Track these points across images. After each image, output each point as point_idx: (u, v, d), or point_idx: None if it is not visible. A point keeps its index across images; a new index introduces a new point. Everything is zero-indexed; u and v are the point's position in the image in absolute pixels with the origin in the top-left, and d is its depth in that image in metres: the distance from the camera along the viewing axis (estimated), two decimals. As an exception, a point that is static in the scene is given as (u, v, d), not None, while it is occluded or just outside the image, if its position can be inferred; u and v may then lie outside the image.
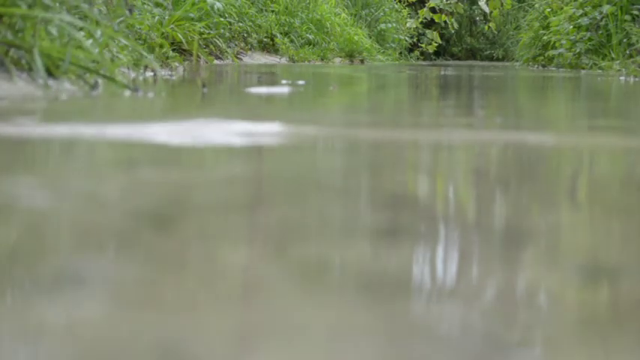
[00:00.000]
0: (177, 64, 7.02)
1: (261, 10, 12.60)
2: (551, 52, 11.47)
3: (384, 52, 17.62)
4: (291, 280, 0.83)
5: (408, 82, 6.64)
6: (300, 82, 5.21)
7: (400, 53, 19.39)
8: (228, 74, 6.66)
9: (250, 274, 0.87)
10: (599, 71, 9.39)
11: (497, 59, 24.80)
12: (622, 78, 7.48)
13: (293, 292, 0.79)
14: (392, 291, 0.80)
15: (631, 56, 9.42)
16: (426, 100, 3.95)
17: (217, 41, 9.60)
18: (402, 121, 2.84)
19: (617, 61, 9.44)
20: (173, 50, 7.59)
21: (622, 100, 4.41)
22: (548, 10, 12.39)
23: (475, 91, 5.28)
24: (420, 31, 20.59)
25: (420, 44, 20.74)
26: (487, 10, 17.53)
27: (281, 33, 12.87)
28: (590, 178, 1.65)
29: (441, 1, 17.20)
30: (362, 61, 14.98)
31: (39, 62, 3.31)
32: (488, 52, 25.71)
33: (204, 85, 4.23)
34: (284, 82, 5.27)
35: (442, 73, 8.73)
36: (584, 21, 10.32)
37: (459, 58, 25.65)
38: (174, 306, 0.75)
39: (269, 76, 6.39)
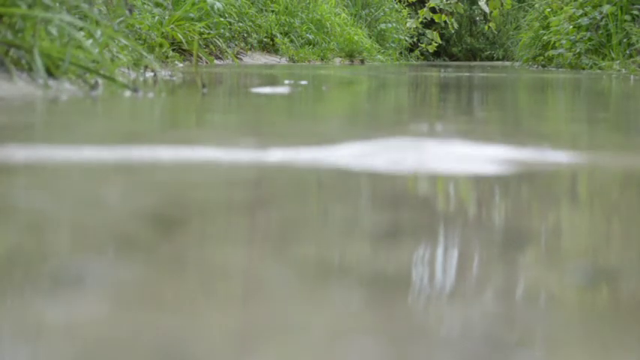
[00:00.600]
0: (177, 63, 7.02)
1: (261, 10, 12.60)
2: (551, 52, 11.47)
3: (384, 52, 17.62)
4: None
5: (409, 85, 6.66)
6: (303, 82, 5.23)
7: (400, 53, 19.39)
8: (228, 75, 6.66)
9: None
10: (599, 71, 9.38)
11: (498, 59, 24.78)
12: (631, 77, 7.48)
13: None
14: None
15: (631, 56, 9.42)
16: (426, 107, 3.96)
17: (217, 41, 9.60)
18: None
19: (617, 61, 9.44)
20: (173, 50, 7.59)
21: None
22: (548, 10, 12.39)
23: (475, 94, 5.28)
24: (420, 31, 20.59)
25: (420, 44, 20.74)
26: (487, 10, 17.53)
27: (281, 33, 12.87)
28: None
29: (441, 1, 17.20)
30: (362, 61, 14.98)
31: (39, 62, 3.31)
32: (488, 52, 25.69)
33: (204, 86, 4.23)
34: (286, 81, 5.29)
35: (442, 74, 8.73)
36: (584, 21, 10.32)
37: (458, 59, 25.63)
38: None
39: (271, 78, 6.40)
